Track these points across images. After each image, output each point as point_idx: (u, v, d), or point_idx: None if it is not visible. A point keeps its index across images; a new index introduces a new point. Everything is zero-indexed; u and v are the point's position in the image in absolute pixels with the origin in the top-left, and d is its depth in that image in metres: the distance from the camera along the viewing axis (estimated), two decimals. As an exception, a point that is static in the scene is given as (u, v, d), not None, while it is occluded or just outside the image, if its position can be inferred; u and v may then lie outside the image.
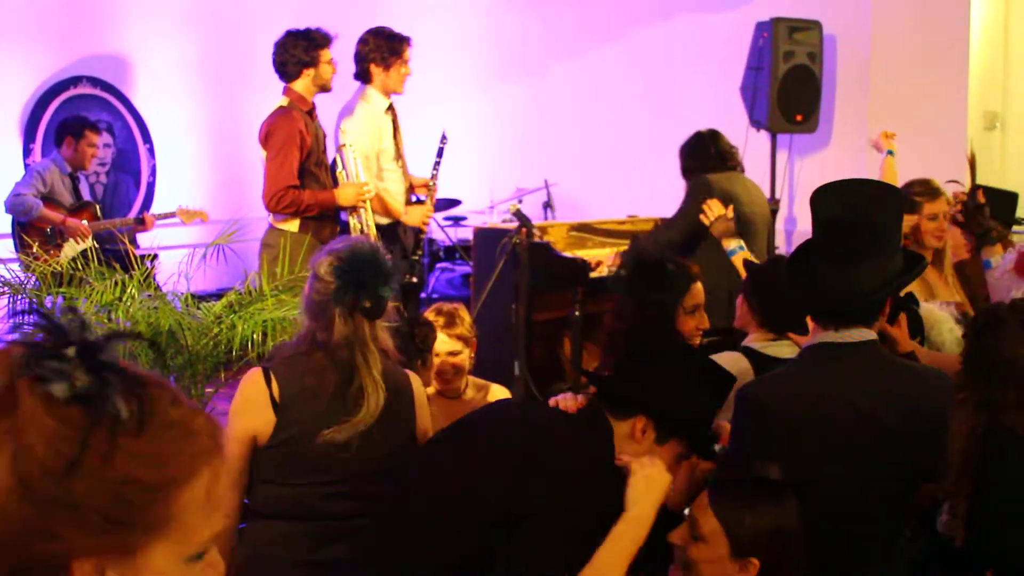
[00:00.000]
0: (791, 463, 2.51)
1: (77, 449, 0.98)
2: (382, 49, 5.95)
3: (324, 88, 5.72)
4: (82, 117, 7.22)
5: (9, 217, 6.70)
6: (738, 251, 4.59)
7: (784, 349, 3.48)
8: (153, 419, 1.03)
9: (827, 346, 2.64)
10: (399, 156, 6.13)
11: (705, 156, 5.76)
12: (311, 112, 5.70)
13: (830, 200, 2.67)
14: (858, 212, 2.65)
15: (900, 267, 2.70)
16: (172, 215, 7.09)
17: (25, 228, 6.62)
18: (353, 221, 5.76)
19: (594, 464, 2.50)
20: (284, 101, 5.63)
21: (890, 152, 4.95)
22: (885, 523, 2.63)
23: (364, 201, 5.67)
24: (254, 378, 2.91)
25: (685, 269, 3.76)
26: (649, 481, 2.40)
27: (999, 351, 2.45)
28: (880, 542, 2.63)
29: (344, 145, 5.79)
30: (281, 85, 5.71)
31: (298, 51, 5.59)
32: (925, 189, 4.50)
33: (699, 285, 3.76)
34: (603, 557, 2.37)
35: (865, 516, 2.62)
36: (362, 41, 6.02)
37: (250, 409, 2.88)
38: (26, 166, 7.18)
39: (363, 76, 6.02)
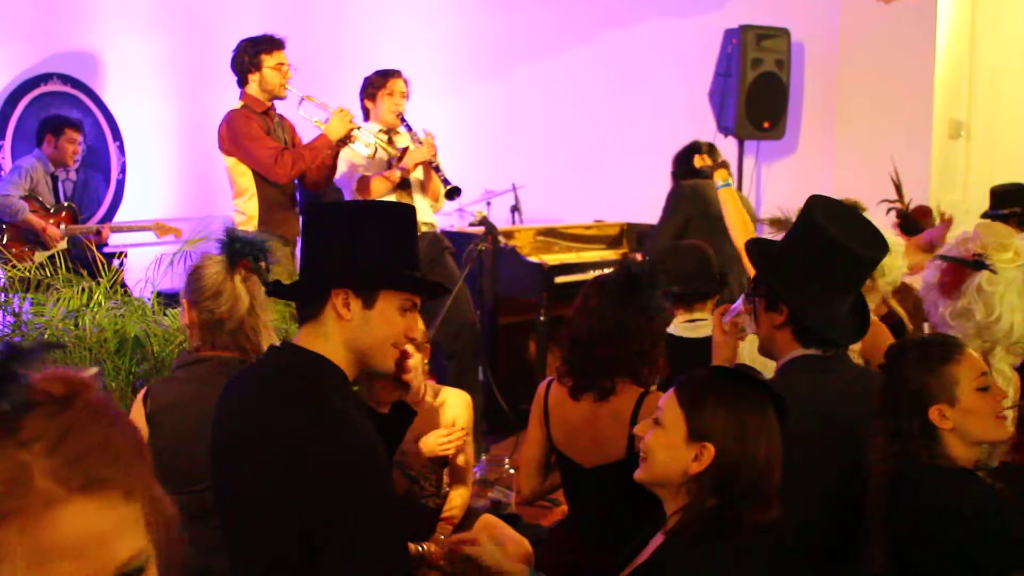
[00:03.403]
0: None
1: None
2: (370, 86, 6.02)
3: (274, 94, 5.63)
4: (63, 115, 7.22)
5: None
6: (722, 187, 4.50)
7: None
8: None
9: (808, 359, 2.82)
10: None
11: (689, 163, 5.94)
12: (267, 112, 5.66)
13: (848, 232, 2.78)
14: (876, 250, 2.84)
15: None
16: (149, 228, 7.07)
17: (1, 227, 6.60)
18: (358, 149, 5.70)
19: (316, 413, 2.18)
20: (238, 104, 5.65)
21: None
22: (853, 530, 2.72)
23: (353, 124, 5.64)
24: (139, 395, 3.16)
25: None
26: None
27: (905, 384, 2.56)
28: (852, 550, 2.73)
29: (303, 98, 5.74)
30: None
31: (243, 56, 5.59)
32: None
33: None
34: None
35: (839, 523, 2.72)
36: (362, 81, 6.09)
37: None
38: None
39: (363, 114, 6.09)
